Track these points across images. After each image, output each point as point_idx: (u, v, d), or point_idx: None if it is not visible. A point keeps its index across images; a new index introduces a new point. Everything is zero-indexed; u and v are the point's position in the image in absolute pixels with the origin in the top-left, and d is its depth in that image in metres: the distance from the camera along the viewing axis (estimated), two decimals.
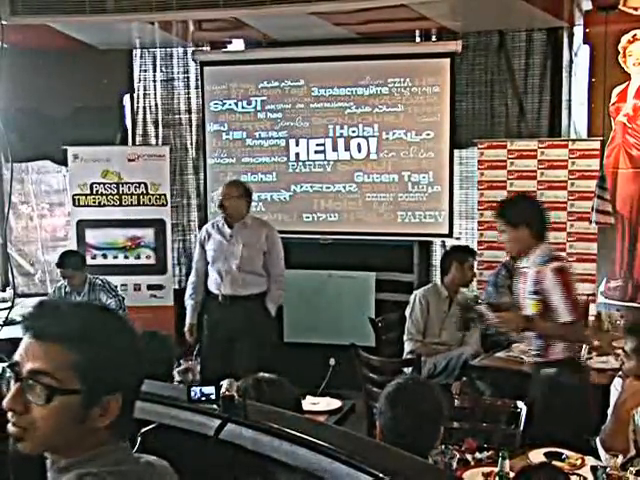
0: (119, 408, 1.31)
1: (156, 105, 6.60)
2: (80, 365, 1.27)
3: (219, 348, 4.90)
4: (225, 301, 4.97)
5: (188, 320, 5.15)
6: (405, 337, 4.83)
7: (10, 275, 6.19)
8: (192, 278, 5.21)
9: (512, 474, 2.65)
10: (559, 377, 3.33)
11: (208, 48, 6.37)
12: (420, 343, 4.77)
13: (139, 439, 1.84)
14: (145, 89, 6.60)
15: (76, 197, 6.05)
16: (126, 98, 6.61)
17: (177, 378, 3.50)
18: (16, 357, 1.30)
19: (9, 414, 1.28)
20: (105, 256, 6.04)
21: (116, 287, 5.51)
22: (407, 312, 4.89)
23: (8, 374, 1.30)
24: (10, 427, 1.29)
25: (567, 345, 3.59)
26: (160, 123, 6.61)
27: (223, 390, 1.97)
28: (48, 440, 1.29)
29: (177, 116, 6.59)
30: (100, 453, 1.32)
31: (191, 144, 6.59)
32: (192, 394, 2.02)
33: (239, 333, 4.88)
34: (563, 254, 5.10)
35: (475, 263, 5.15)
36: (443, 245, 6.01)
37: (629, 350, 3.09)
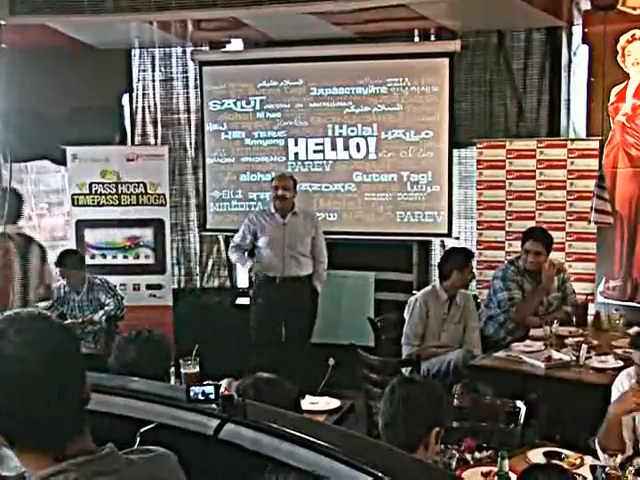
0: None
1: (155, 105, 6.60)
2: None
3: (272, 325, 5.46)
4: (283, 282, 5.46)
5: (248, 264, 5.58)
6: (403, 341, 4.81)
7: None
8: (238, 251, 5.61)
9: (511, 474, 2.66)
10: None
11: (207, 48, 6.37)
12: (417, 348, 4.75)
13: (138, 439, 1.84)
14: (144, 89, 6.60)
15: (75, 197, 6.04)
16: (125, 98, 6.60)
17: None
18: None
19: None
20: (104, 256, 6.04)
21: (115, 287, 5.51)
22: (406, 315, 4.86)
23: None
24: None
25: None
26: (159, 123, 6.60)
27: (222, 390, 1.97)
28: None
29: (176, 116, 6.59)
30: (68, 467, 1.31)
31: (190, 144, 6.59)
32: (191, 394, 2.02)
33: (291, 309, 5.44)
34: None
35: (474, 262, 5.14)
36: (442, 245, 6.01)
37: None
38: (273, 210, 5.52)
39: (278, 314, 5.48)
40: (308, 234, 5.54)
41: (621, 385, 3.13)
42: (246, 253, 5.63)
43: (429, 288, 4.98)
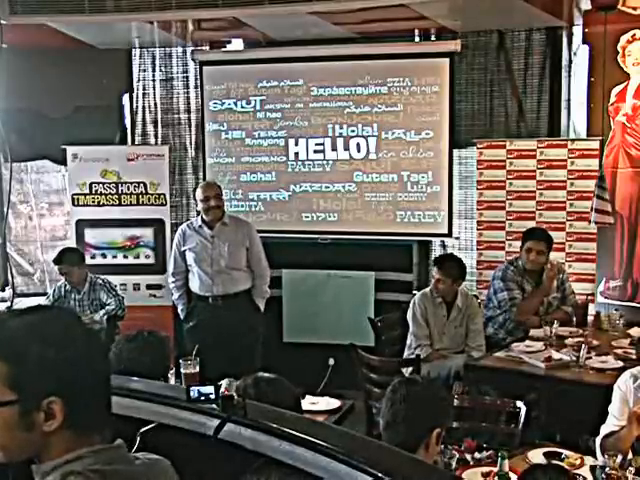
0: (62, 411, 1.31)
1: (155, 105, 6.60)
2: (9, 377, 1.30)
3: (215, 348, 4.80)
4: (216, 301, 5.11)
5: (180, 309, 5.34)
6: (414, 343, 4.75)
7: (9, 275, 6.18)
8: (178, 283, 5.30)
9: (511, 474, 2.66)
10: None
11: (207, 48, 6.37)
12: (431, 348, 4.73)
13: (138, 439, 1.84)
14: (144, 89, 6.60)
15: (75, 197, 6.04)
16: (125, 98, 6.60)
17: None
18: None
19: None
20: (104, 256, 6.04)
21: (116, 287, 5.52)
22: (409, 316, 4.84)
23: None
24: None
25: None
26: (159, 123, 6.61)
27: (222, 389, 1.97)
28: (5, 449, 1.33)
29: (176, 116, 6.59)
30: (84, 454, 1.34)
31: (190, 144, 6.59)
32: (191, 393, 2.02)
33: (233, 330, 4.99)
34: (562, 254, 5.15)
35: (474, 262, 5.11)
36: (442, 245, 6.02)
37: None
38: (200, 222, 5.16)
39: (213, 338, 4.89)
40: (241, 244, 5.13)
41: (624, 385, 3.09)
42: (183, 298, 5.28)
43: (424, 292, 4.97)
